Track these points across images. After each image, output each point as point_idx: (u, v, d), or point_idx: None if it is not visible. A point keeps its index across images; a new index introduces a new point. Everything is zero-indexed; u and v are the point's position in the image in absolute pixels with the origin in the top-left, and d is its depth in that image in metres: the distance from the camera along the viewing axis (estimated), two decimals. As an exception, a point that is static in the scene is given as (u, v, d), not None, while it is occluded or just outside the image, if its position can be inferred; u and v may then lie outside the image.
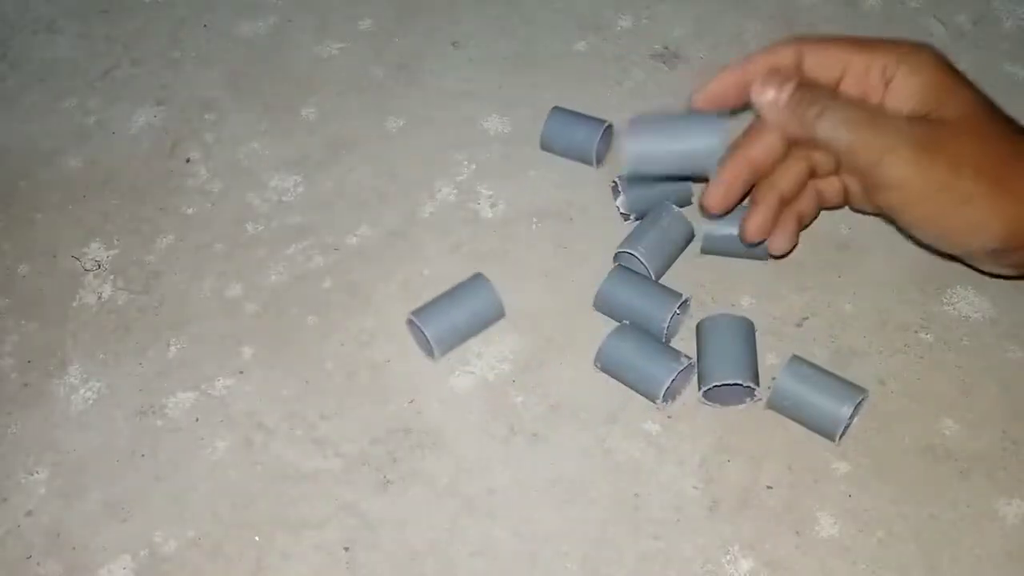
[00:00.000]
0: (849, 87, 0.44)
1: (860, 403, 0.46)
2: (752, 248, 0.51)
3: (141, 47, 0.67)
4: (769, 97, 0.44)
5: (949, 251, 0.47)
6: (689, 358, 0.47)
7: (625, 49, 0.64)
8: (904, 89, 0.43)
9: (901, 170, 0.41)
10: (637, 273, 0.51)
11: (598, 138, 0.56)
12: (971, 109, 0.42)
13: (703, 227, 0.52)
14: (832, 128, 0.42)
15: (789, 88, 0.43)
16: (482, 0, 0.67)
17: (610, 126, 0.57)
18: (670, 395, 0.47)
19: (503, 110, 0.61)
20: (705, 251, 0.53)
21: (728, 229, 0.51)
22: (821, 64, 0.44)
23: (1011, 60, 0.61)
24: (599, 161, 0.57)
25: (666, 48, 0.64)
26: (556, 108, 0.58)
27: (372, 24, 0.67)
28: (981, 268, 0.48)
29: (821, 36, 0.45)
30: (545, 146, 0.58)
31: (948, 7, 0.65)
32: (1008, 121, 0.43)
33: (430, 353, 0.50)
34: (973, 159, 0.40)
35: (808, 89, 0.43)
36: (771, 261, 0.52)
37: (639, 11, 0.66)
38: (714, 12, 0.66)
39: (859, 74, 0.44)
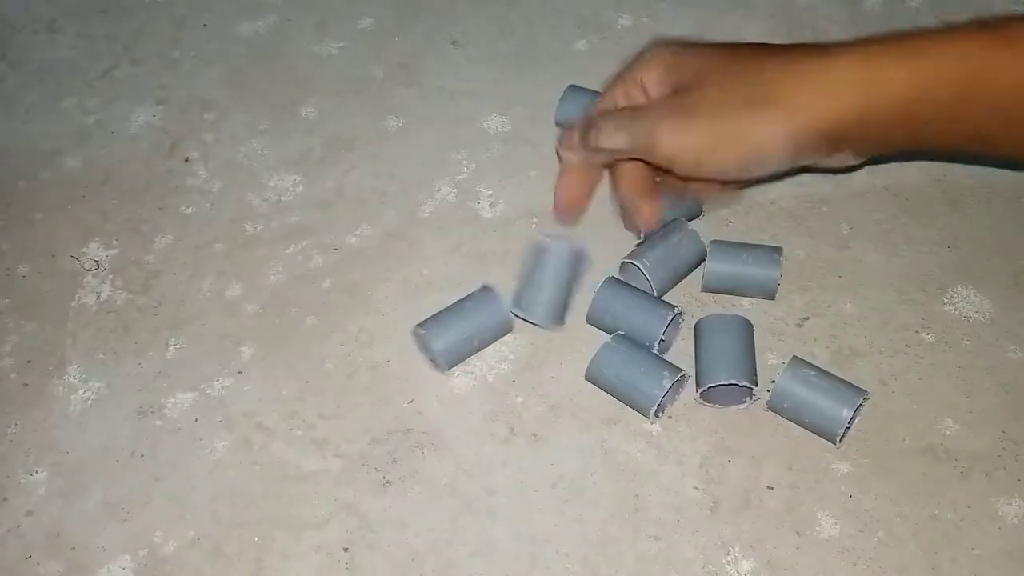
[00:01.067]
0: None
1: (860, 405, 0.46)
2: (757, 284, 0.51)
3: (141, 47, 0.67)
4: (569, 151, 0.50)
5: (768, 173, 0.47)
6: (680, 370, 0.47)
7: (625, 49, 0.63)
8: (653, 83, 0.47)
9: (672, 139, 0.44)
10: (628, 285, 0.50)
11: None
12: (704, 62, 0.45)
13: (705, 265, 0.51)
14: (609, 138, 0.46)
15: (575, 132, 0.49)
16: (482, 0, 0.67)
17: None
18: (662, 409, 0.47)
19: (503, 110, 0.61)
20: (706, 289, 0.52)
21: (730, 268, 0.51)
22: (603, 107, 0.50)
23: (1011, 60, 0.61)
24: None
25: (666, 48, 0.64)
26: (572, 86, 0.58)
27: (372, 24, 0.67)
28: (828, 169, 0.50)
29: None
30: (559, 119, 0.58)
31: (948, 7, 0.64)
32: (754, 48, 0.45)
33: (436, 365, 0.50)
34: (721, 96, 0.42)
35: (585, 120, 0.48)
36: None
37: (639, 11, 0.66)
38: (714, 12, 0.66)
39: (627, 96, 0.48)
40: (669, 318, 0.48)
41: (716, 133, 0.42)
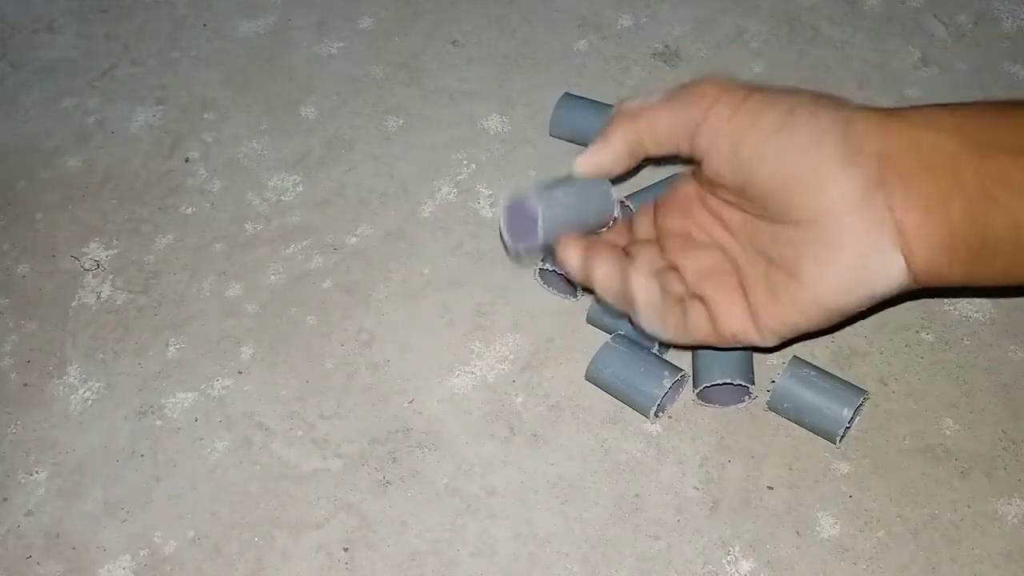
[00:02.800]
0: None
1: (860, 405, 0.46)
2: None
3: (141, 47, 0.67)
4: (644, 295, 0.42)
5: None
6: (680, 370, 0.47)
7: (625, 48, 0.64)
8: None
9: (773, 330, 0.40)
10: None
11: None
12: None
13: None
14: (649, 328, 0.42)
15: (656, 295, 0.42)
16: (482, 0, 0.67)
17: None
18: (662, 409, 0.47)
19: (503, 109, 0.61)
20: None
21: None
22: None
23: (1011, 60, 0.61)
24: None
25: (667, 47, 0.64)
26: (567, 94, 0.58)
27: (372, 23, 0.67)
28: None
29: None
30: (555, 131, 0.58)
31: (948, 7, 0.65)
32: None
33: (530, 237, 0.43)
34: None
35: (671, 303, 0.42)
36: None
37: (639, 10, 0.66)
38: (714, 11, 0.66)
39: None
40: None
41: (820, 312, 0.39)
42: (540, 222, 0.41)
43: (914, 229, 0.36)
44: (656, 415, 0.47)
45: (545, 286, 0.52)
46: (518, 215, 0.43)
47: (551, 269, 0.50)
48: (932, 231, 0.35)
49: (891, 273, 0.37)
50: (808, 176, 0.36)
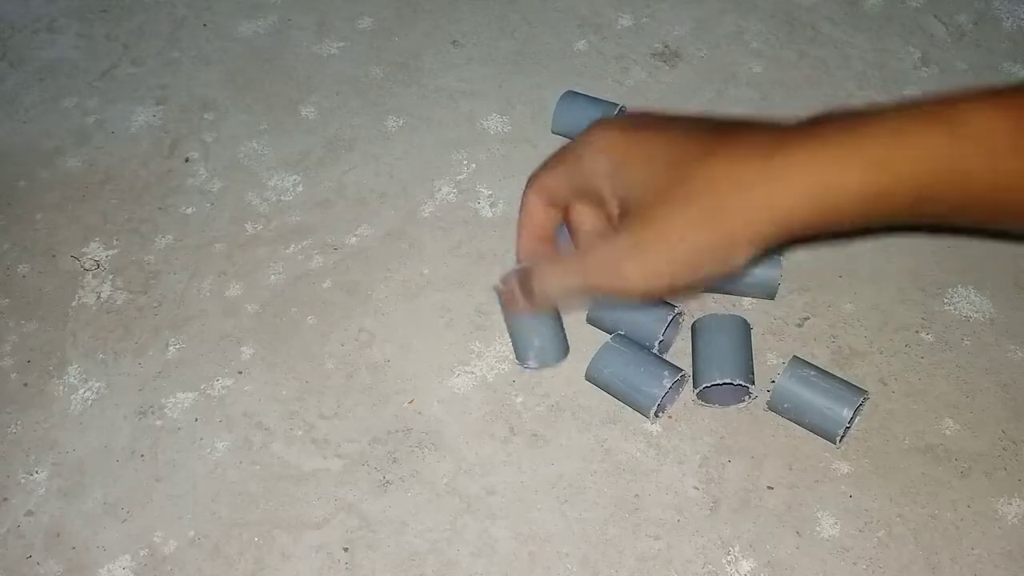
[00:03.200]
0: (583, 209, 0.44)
1: (860, 405, 0.46)
2: (757, 284, 0.51)
3: (141, 47, 0.67)
4: (512, 307, 0.45)
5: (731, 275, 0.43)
6: (680, 370, 0.47)
7: (625, 48, 0.64)
8: (601, 177, 0.42)
9: (639, 277, 0.40)
10: None
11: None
12: (650, 168, 0.40)
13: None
14: (560, 284, 0.42)
15: (512, 286, 0.44)
16: (482, 0, 0.67)
17: (623, 108, 0.57)
18: (662, 409, 0.47)
19: (503, 109, 0.61)
20: (706, 289, 0.52)
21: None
22: (530, 227, 0.45)
23: (1011, 60, 0.61)
24: None
25: (666, 47, 0.64)
26: (569, 91, 0.58)
27: (372, 23, 0.67)
28: None
29: (544, 172, 0.44)
30: (557, 128, 0.58)
31: (948, 7, 0.65)
32: (703, 140, 0.40)
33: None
34: (676, 220, 0.39)
35: (520, 274, 0.44)
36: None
37: (639, 10, 0.66)
38: (714, 11, 0.66)
39: (575, 190, 0.43)
40: (669, 318, 0.48)
41: (681, 261, 0.40)
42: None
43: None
44: (656, 415, 0.47)
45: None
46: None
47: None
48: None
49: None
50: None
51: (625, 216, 0.41)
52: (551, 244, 0.45)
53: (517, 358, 0.49)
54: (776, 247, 0.39)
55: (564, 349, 0.49)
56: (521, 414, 0.49)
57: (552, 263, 0.43)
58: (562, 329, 0.49)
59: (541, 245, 0.45)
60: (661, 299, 0.49)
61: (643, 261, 0.40)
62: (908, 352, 0.50)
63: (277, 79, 0.64)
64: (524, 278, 0.44)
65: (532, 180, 0.44)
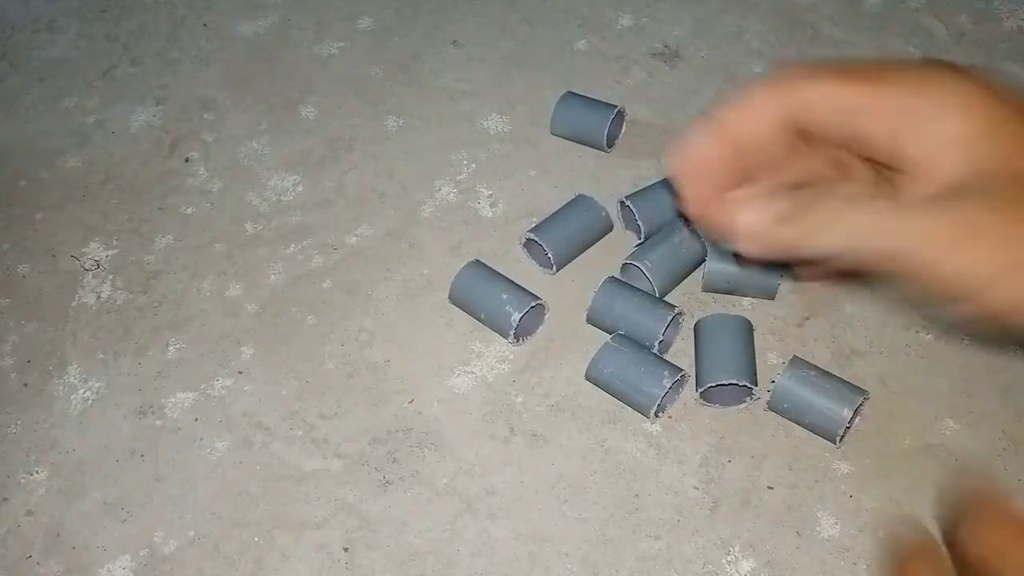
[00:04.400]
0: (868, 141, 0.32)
1: (860, 405, 0.46)
2: (757, 284, 0.51)
3: (141, 47, 0.67)
4: (748, 223, 0.33)
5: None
6: (680, 370, 0.47)
7: (625, 48, 0.64)
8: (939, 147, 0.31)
9: (956, 260, 0.31)
10: (628, 285, 0.50)
11: (608, 123, 0.56)
12: (988, 151, 0.31)
13: (705, 265, 0.51)
14: (838, 240, 0.32)
15: (771, 207, 0.32)
16: (482, 0, 0.67)
17: (622, 111, 0.57)
18: (662, 409, 0.47)
19: (503, 109, 0.61)
20: (706, 289, 0.52)
21: (731, 268, 0.50)
22: (827, 121, 0.32)
23: (1011, 60, 0.61)
24: (610, 144, 0.57)
25: (666, 47, 0.64)
26: (568, 92, 0.58)
27: (372, 23, 0.67)
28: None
29: (819, 71, 0.31)
30: (556, 130, 0.59)
31: (948, 7, 0.64)
32: None
33: (547, 266, 0.53)
34: (1014, 211, 0.30)
35: (793, 198, 0.32)
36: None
37: (639, 10, 0.66)
38: (714, 11, 0.66)
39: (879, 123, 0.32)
40: (669, 318, 0.48)
41: (1008, 263, 0.30)
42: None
43: None
44: (656, 415, 0.47)
45: (528, 256, 0.54)
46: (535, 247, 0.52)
47: (536, 240, 0.52)
48: None
49: None
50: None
51: (973, 208, 0.30)
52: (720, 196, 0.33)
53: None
54: None
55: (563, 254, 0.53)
56: (521, 414, 0.49)
57: (849, 196, 0.31)
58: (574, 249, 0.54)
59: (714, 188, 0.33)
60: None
61: (966, 244, 0.30)
62: (908, 352, 0.50)
63: (277, 79, 0.64)
64: (788, 207, 0.31)
65: (780, 83, 0.31)
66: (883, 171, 0.33)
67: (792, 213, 0.32)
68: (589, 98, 0.58)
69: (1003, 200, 0.30)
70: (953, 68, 0.31)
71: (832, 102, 0.31)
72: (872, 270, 0.33)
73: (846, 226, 0.31)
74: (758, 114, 0.32)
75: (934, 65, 0.31)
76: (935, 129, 0.30)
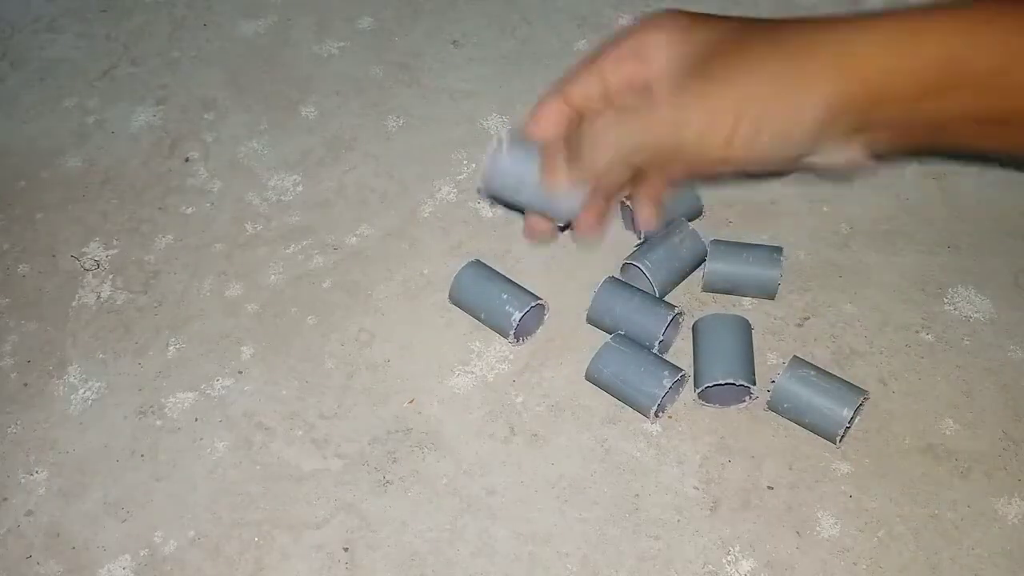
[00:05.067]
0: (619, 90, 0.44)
1: (860, 405, 0.46)
2: (757, 284, 0.51)
3: (141, 47, 0.67)
4: (554, 176, 0.44)
5: (789, 155, 0.41)
6: (680, 370, 0.47)
7: (625, 49, 0.64)
8: (659, 46, 0.42)
9: (701, 117, 0.39)
10: (628, 285, 0.50)
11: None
12: (719, 30, 0.41)
13: (705, 265, 0.51)
14: (614, 149, 0.42)
15: (554, 153, 0.44)
16: (482, 0, 0.67)
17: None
18: (662, 409, 0.47)
19: (503, 109, 0.61)
20: (706, 289, 0.52)
21: (731, 268, 0.51)
22: (585, 94, 0.44)
23: (1011, 60, 0.61)
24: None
25: (666, 48, 0.64)
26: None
27: (372, 23, 0.67)
28: (832, 171, 0.43)
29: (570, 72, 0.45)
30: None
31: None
32: (769, 21, 0.41)
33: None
34: (750, 62, 0.39)
35: (567, 139, 0.43)
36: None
37: (639, 10, 0.66)
38: (714, 11, 0.65)
39: (617, 69, 0.43)
40: (669, 318, 0.48)
41: (747, 110, 0.38)
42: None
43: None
44: (656, 415, 0.47)
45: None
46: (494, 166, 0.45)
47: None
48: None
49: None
50: None
51: (681, 84, 0.40)
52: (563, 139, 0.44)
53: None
54: (837, 129, 0.38)
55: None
56: (521, 414, 0.49)
57: (611, 115, 0.42)
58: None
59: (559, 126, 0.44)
60: (720, 171, 0.43)
61: (708, 109, 0.39)
62: (908, 352, 0.50)
63: (277, 79, 0.64)
64: (570, 139, 0.42)
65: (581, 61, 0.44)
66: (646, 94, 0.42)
67: (571, 155, 0.43)
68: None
69: (704, 72, 0.40)
70: (659, 13, 0.43)
71: (611, 79, 0.43)
72: (654, 166, 0.43)
73: (615, 136, 0.41)
74: (579, 89, 0.44)
75: (650, 17, 0.43)
76: (654, 54, 0.41)
